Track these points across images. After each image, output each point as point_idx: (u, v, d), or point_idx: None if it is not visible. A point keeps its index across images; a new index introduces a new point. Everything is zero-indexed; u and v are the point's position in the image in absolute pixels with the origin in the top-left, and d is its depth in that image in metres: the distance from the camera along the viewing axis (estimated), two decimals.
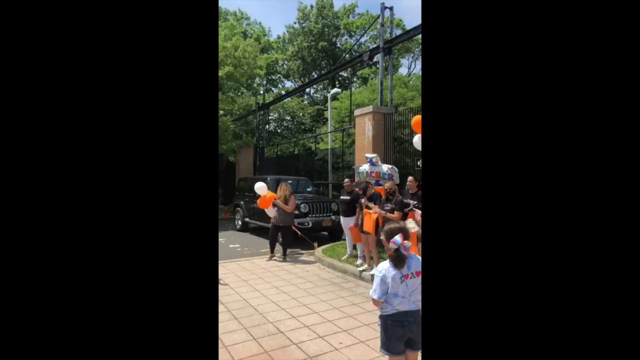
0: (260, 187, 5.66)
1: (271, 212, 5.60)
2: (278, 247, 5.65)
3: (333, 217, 6.74)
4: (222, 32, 11.88)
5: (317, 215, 6.73)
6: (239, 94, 13.52)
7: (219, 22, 16.21)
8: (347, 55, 15.00)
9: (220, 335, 2.79)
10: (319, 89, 21.68)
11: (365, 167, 5.09)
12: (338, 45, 21.61)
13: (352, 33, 20.95)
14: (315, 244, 5.96)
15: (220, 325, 3.00)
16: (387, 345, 1.79)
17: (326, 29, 20.96)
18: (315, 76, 19.25)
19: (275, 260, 5.42)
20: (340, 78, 20.26)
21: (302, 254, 5.96)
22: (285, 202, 5.51)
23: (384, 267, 1.75)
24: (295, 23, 21.93)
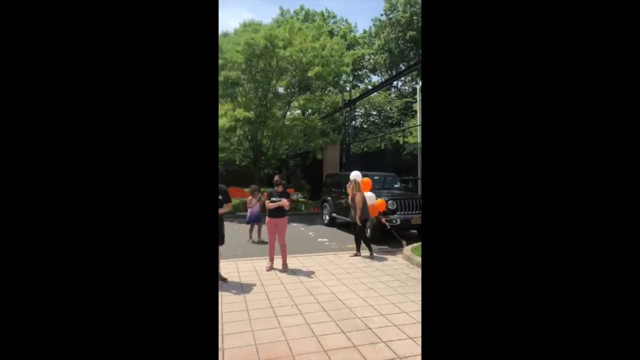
0: (355, 175, 5.80)
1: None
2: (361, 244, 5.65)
3: None
4: (309, 34, 12.29)
5: (406, 212, 6.50)
6: (326, 92, 13.85)
7: (307, 24, 16.81)
8: None
9: (311, 325, 2.92)
10: (406, 81, 20.87)
11: None
12: None
13: None
14: (404, 242, 5.77)
15: (309, 314, 3.13)
16: None
17: (415, 17, 20.00)
18: (403, 68, 18.55)
19: (360, 256, 5.43)
20: None
21: (390, 251, 5.84)
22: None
23: None
24: (382, 15, 21.47)
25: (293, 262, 4.95)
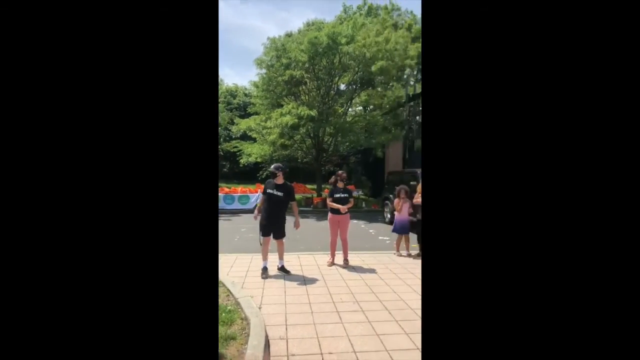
0: None
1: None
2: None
3: None
4: (373, 29, 12.10)
5: None
6: (389, 87, 13.53)
7: (370, 19, 16.55)
8: None
9: (372, 323, 2.88)
10: None
11: None
12: None
13: None
14: None
15: (371, 313, 3.10)
16: None
17: None
18: None
19: (418, 257, 5.21)
20: None
21: None
22: None
23: None
24: None
25: (354, 259, 4.94)
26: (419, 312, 3.13)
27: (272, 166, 4.33)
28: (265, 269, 4.12)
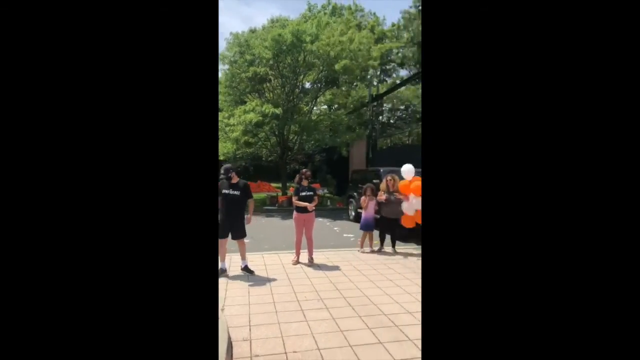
0: (408, 171, 5.46)
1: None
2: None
3: None
4: (337, 28, 12.20)
5: None
6: (353, 86, 13.73)
7: (334, 18, 16.70)
8: None
9: (337, 320, 2.92)
10: None
11: None
12: None
13: None
14: None
15: (335, 309, 3.13)
16: None
17: None
18: None
19: (380, 252, 5.36)
20: None
21: (417, 249, 5.73)
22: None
23: None
24: (410, 7, 20.93)
25: (319, 257, 4.97)
26: (382, 307, 3.21)
27: (222, 169, 4.11)
28: (222, 270, 4.03)
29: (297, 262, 4.68)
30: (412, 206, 5.36)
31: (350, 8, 21.95)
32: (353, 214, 8.64)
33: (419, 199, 5.29)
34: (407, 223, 5.52)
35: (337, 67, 11.40)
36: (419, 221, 5.44)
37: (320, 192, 12.31)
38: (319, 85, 13.22)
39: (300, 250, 4.78)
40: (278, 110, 10.92)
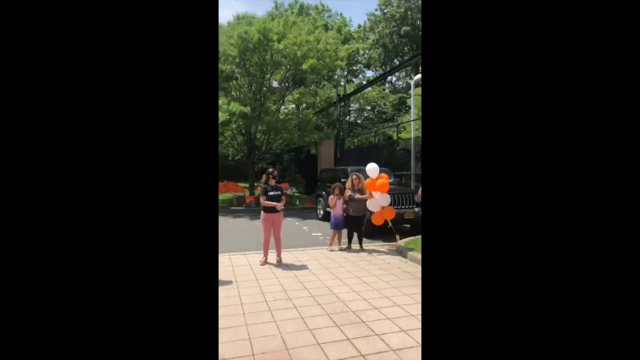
0: (373, 169, 5.60)
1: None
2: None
3: (416, 209, 6.48)
4: (304, 27, 12.20)
5: (399, 207, 6.54)
6: (320, 86, 13.80)
7: (301, 17, 16.69)
8: None
9: (305, 319, 2.93)
10: (401, 76, 20.89)
11: None
12: None
13: None
14: (398, 237, 5.81)
15: (304, 308, 3.14)
16: None
17: (409, 12, 19.97)
18: (398, 63, 18.55)
19: (350, 250, 5.45)
20: None
21: (383, 246, 5.88)
22: (362, 192, 5.50)
23: None
24: (376, 10, 21.39)
25: (287, 256, 4.96)
26: (350, 304, 3.26)
27: None
28: None
29: (265, 262, 4.64)
30: (377, 203, 5.50)
31: (317, 8, 22.03)
32: (322, 212, 8.69)
33: (384, 196, 5.49)
34: (376, 220, 5.66)
35: (304, 66, 11.41)
36: (388, 217, 5.62)
37: (289, 191, 12.26)
38: (287, 84, 13.16)
39: (269, 251, 4.74)
40: (246, 109, 10.74)
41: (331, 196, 5.63)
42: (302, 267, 4.54)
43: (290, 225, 8.09)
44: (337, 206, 5.53)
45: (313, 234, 7.11)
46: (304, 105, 14.89)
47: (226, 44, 10.93)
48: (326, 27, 18.82)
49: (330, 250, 5.42)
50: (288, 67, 11.94)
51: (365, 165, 5.85)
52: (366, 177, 5.69)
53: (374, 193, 5.48)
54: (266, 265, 4.56)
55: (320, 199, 8.75)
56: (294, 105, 15.43)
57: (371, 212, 5.62)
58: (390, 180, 7.99)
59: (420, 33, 19.95)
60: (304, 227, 7.96)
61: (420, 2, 19.67)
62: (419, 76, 11.42)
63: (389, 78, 20.64)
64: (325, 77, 13.86)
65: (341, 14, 24.49)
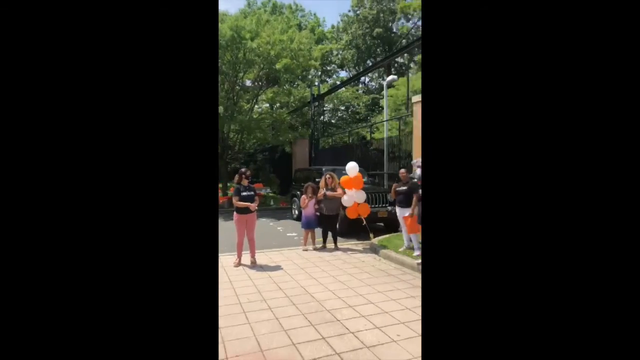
0: (352, 168, 5.66)
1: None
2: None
3: (389, 207, 6.61)
4: (278, 26, 12.10)
5: (373, 205, 6.64)
6: (294, 86, 13.75)
7: (275, 16, 16.56)
8: (404, 41, 14.40)
9: (280, 319, 2.91)
10: (374, 77, 21.21)
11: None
12: (394, 30, 20.86)
13: (410, 16, 20.04)
14: (372, 235, 5.90)
15: (279, 309, 3.12)
16: None
17: (381, 14, 20.32)
18: (370, 64, 18.83)
19: (325, 249, 5.48)
20: (396, 65, 19.58)
21: (357, 244, 5.94)
22: (335, 191, 5.58)
23: None
24: (349, 11, 21.60)
25: (261, 257, 4.90)
26: (325, 304, 3.28)
27: None
28: None
29: (239, 264, 4.56)
30: (351, 198, 5.60)
31: (290, 7, 21.94)
32: (296, 212, 8.67)
33: (360, 193, 5.63)
34: (350, 214, 5.75)
35: (278, 65, 11.32)
36: (362, 214, 5.72)
37: (263, 191, 12.13)
38: (260, 83, 13.01)
39: (242, 252, 4.67)
40: (219, 109, 10.52)
41: (303, 196, 5.64)
42: (277, 267, 4.51)
43: (265, 225, 8.01)
44: (308, 206, 5.54)
45: (288, 234, 7.08)
46: (278, 104, 14.79)
47: None
48: (300, 27, 18.78)
49: (304, 250, 5.41)
50: (261, 66, 11.80)
51: (340, 165, 5.93)
52: (341, 176, 5.79)
53: (348, 191, 5.57)
54: (240, 267, 4.49)
55: (295, 198, 8.72)
56: (267, 105, 15.28)
57: (345, 208, 5.71)
58: (364, 180, 8.13)
59: (392, 35, 20.37)
60: (279, 228, 7.90)
61: (392, 5, 20.07)
62: (391, 77, 11.65)
63: (362, 79, 20.90)
64: (299, 77, 13.82)
65: (315, 14, 24.59)
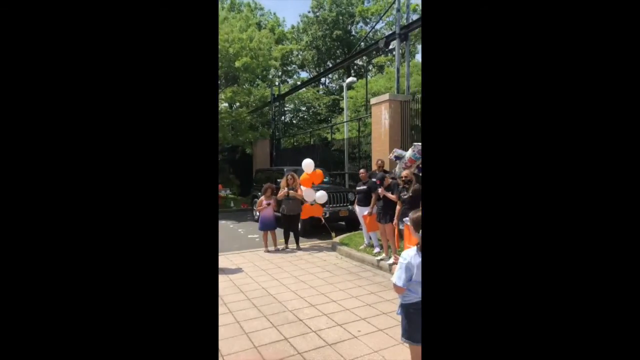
0: (308, 164, 5.68)
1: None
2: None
3: (350, 207, 6.74)
4: (237, 24, 11.86)
5: (334, 205, 6.73)
6: (254, 85, 13.54)
7: (234, 14, 16.22)
8: (362, 43, 14.76)
9: (241, 323, 2.86)
10: (334, 78, 21.48)
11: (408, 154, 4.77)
12: (353, 33, 21.27)
13: (368, 20, 20.55)
14: (333, 234, 5.98)
15: (240, 312, 3.07)
16: (409, 333, 1.78)
17: (341, 17, 20.64)
18: (330, 66, 19.05)
19: (287, 250, 5.48)
20: (355, 67, 19.98)
21: (319, 243, 5.99)
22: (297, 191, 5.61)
23: (409, 255, 1.73)
24: (309, 12, 21.70)
25: (222, 260, 4.79)
26: (287, 304, 3.27)
27: None
28: None
29: None
30: (310, 196, 5.66)
31: (249, 5, 21.58)
32: (257, 214, 8.54)
33: (321, 193, 5.74)
34: (304, 214, 5.79)
35: (237, 64, 11.10)
36: (316, 214, 5.78)
37: (223, 193, 11.82)
38: (219, 82, 12.66)
39: None
40: None
41: (261, 197, 5.61)
42: (238, 270, 4.42)
43: (225, 228, 7.82)
44: (265, 207, 5.49)
45: (249, 236, 6.97)
46: (238, 104, 14.48)
47: None
48: (259, 26, 18.53)
49: (266, 252, 5.36)
50: (220, 64, 11.49)
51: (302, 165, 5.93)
52: (299, 174, 5.82)
53: (304, 189, 5.63)
54: None
55: (256, 199, 8.59)
56: (226, 104, 14.90)
57: (304, 201, 5.74)
58: (325, 180, 8.21)
59: (351, 38, 20.76)
60: (240, 230, 7.75)
61: (350, 8, 20.46)
62: (350, 79, 11.89)
63: (322, 80, 21.07)
64: (259, 77, 13.63)
65: (274, 14, 24.36)
